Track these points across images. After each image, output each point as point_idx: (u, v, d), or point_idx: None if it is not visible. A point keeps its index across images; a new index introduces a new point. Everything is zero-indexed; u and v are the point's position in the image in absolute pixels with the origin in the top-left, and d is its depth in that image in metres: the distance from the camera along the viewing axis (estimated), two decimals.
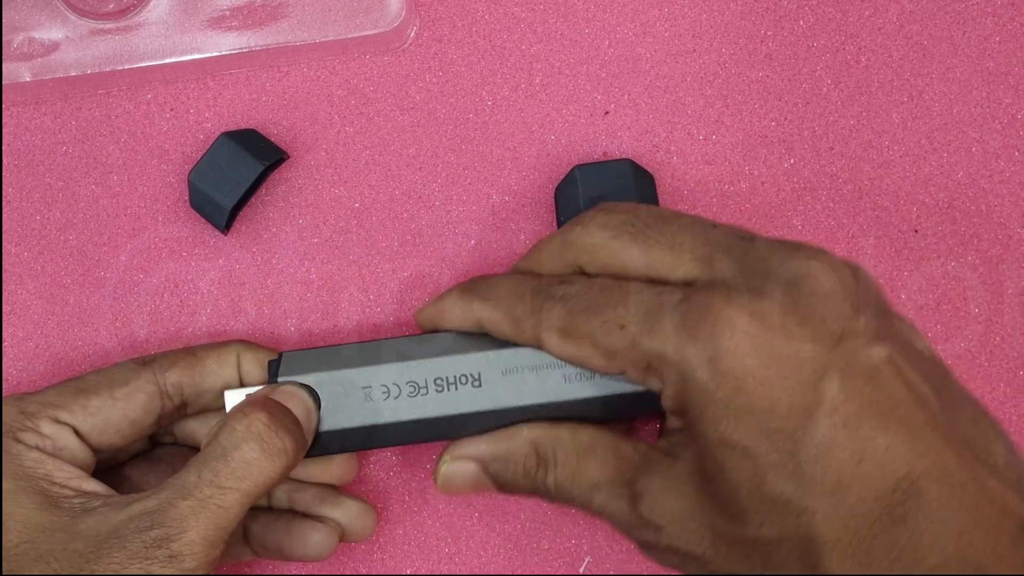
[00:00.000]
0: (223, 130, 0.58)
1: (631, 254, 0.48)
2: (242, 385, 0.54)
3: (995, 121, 0.60)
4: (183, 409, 0.53)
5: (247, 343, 0.55)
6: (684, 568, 0.47)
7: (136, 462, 0.55)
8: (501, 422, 0.51)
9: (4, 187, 0.59)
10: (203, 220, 0.58)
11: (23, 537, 0.47)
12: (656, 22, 0.60)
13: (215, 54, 0.58)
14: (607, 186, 0.56)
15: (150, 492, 0.48)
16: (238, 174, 0.56)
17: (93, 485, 0.50)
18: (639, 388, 0.49)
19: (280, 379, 0.52)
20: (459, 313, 0.51)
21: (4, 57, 0.58)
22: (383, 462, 0.58)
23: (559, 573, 0.57)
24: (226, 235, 0.58)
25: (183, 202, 0.59)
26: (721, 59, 0.60)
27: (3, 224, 0.59)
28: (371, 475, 0.58)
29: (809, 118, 0.60)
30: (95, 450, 0.51)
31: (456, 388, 0.51)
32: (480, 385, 0.51)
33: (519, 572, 0.57)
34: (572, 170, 0.57)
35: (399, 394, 0.51)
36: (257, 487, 0.48)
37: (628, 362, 0.46)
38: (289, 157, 0.59)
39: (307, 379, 0.51)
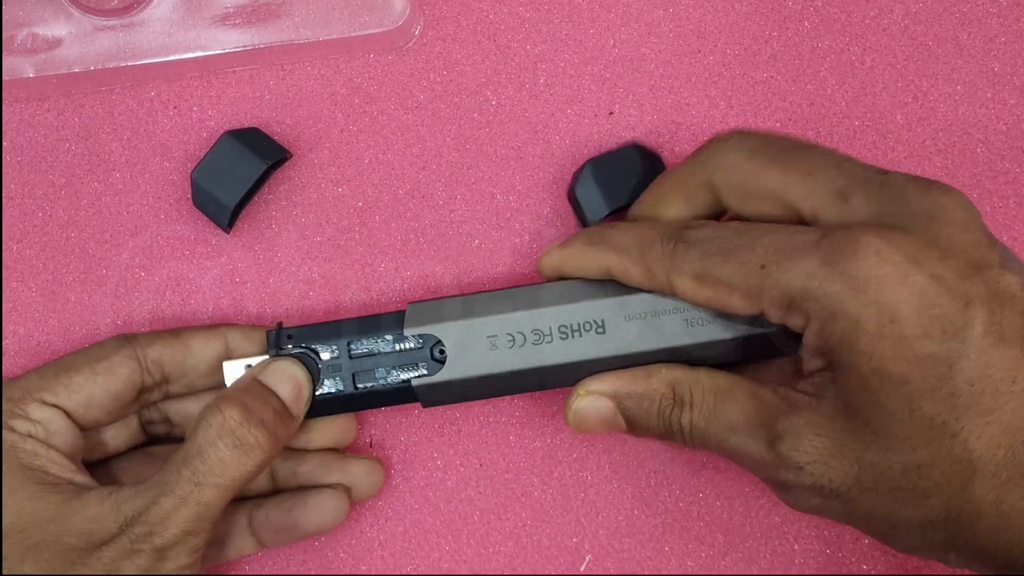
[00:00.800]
0: (226, 128, 0.58)
1: (768, 175, 0.49)
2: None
3: (1000, 123, 0.60)
4: (164, 386, 0.54)
5: (238, 326, 0.55)
6: (824, 509, 0.48)
7: (131, 456, 0.56)
8: (626, 367, 0.51)
9: (6, 183, 0.59)
10: (205, 218, 0.58)
11: (15, 528, 0.48)
12: (661, 22, 0.60)
13: (219, 52, 0.58)
14: (618, 173, 0.57)
15: (137, 488, 0.49)
16: (241, 172, 0.56)
17: (84, 479, 0.50)
18: (760, 331, 0.50)
19: (406, 331, 0.52)
20: (586, 261, 0.52)
21: (7, 53, 0.58)
22: (386, 459, 0.58)
23: (559, 572, 0.58)
24: (228, 234, 0.58)
25: (185, 200, 0.58)
26: (726, 60, 0.60)
27: (4, 221, 0.59)
28: None
29: (814, 119, 0.59)
30: (82, 428, 0.52)
31: (580, 335, 0.51)
32: (604, 331, 0.51)
33: (519, 570, 0.58)
34: (583, 166, 0.57)
35: (524, 342, 0.52)
36: (235, 481, 0.49)
37: (768, 301, 0.46)
38: (292, 156, 0.59)
39: (433, 329, 0.52)
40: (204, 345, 0.54)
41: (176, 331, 0.54)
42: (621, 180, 0.57)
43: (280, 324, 0.53)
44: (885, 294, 0.43)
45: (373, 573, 0.57)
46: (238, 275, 0.58)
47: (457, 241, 0.59)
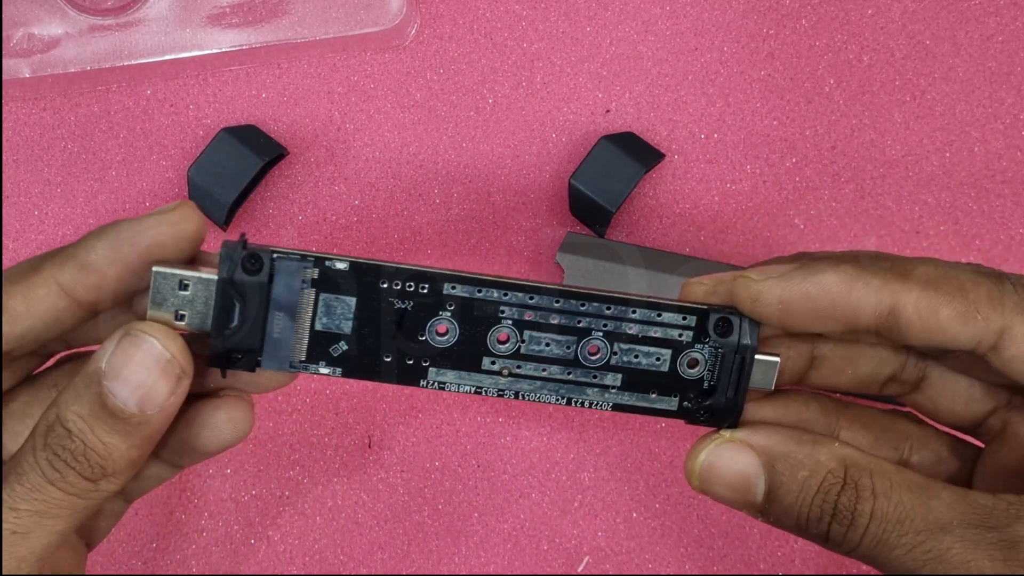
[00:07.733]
0: (223, 126, 0.58)
1: None
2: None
3: (997, 121, 0.60)
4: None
5: (58, 259, 0.40)
6: None
7: (24, 388, 0.44)
8: None
9: (3, 182, 0.59)
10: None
11: None
12: (658, 20, 0.60)
13: (215, 51, 0.58)
14: (615, 160, 0.57)
15: None
16: (238, 170, 0.56)
17: None
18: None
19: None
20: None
21: (4, 53, 0.58)
22: (384, 460, 0.58)
23: (557, 573, 0.57)
24: (225, 231, 0.58)
25: (182, 198, 0.58)
26: (723, 58, 0.60)
27: (2, 219, 0.59)
28: (371, 473, 0.57)
29: (811, 117, 0.59)
30: None
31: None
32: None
33: (519, 572, 0.57)
34: (596, 144, 0.57)
35: None
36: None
37: None
38: (289, 153, 0.59)
39: None
40: (27, 305, 0.40)
41: None
42: (616, 165, 0.57)
43: (243, 235, 0.41)
44: None
45: (373, 573, 0.57)
46: None
47: (454, 239, 0.59)
